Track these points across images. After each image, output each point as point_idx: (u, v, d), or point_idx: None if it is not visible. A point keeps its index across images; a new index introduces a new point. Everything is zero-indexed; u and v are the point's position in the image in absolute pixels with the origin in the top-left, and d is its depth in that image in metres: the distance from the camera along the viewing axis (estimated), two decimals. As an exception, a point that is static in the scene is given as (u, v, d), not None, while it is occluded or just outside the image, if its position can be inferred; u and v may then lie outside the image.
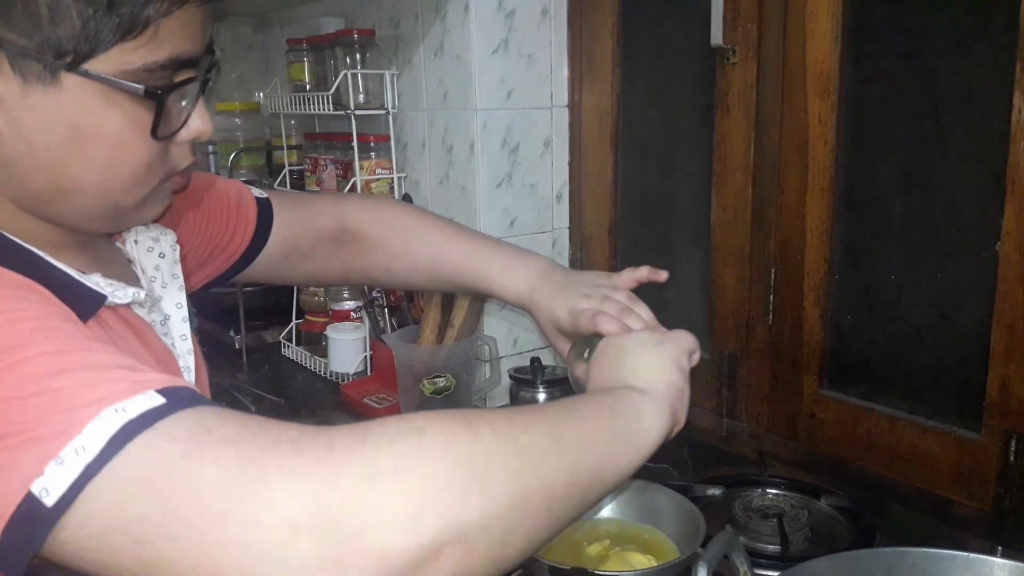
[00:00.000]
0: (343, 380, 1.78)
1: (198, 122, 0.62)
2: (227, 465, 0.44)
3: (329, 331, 1.80)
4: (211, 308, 2.11)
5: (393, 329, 1.67)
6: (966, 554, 0.82)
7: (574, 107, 1.66)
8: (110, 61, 0.54)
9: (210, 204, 0.89)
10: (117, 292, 0.63)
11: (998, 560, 0.81)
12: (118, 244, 0.74)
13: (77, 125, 0.55)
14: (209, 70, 0.62)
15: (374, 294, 1.78)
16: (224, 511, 0.43)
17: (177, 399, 0.47)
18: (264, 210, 0.93)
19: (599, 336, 0.83)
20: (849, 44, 1.21)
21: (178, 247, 0.75)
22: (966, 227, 1.14)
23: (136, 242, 0.73)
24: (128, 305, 0.66)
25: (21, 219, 0.60)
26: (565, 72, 1.64)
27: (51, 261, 0.59)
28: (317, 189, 1.83)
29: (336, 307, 1.85)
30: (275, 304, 2.04)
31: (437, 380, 1.50)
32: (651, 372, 0.70)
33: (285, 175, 1.93)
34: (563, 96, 1.65)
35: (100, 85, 0.54)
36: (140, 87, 0.55)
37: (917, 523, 1.17)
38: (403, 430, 0.48)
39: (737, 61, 1.34)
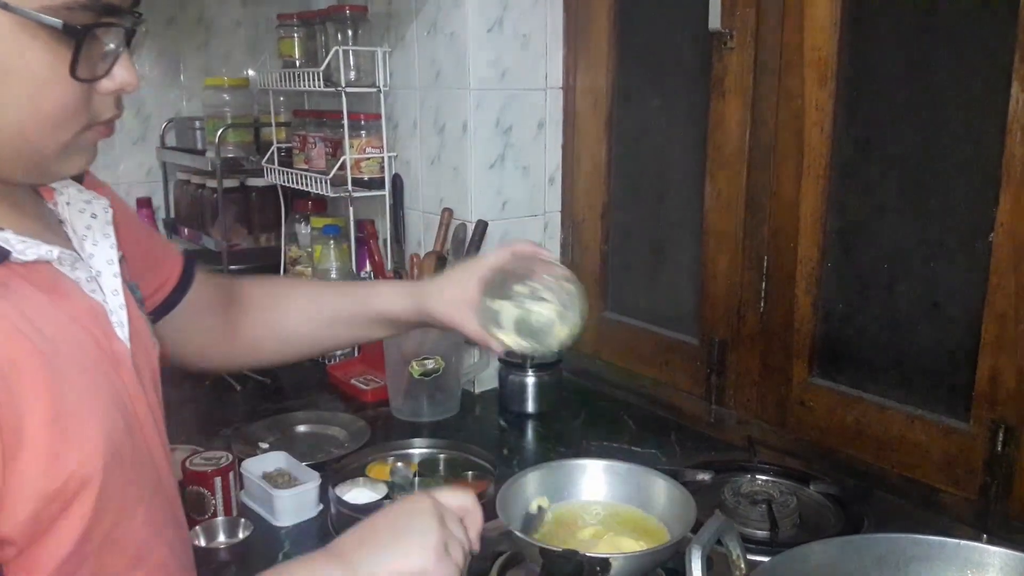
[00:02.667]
0: (330, 361, 1.77)
1: (123, 73, 0.63)
2: None
3: (316, 311, 1.78)
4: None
5: (381, 310, 1.66)
6: (957, 541, 0.82)
7: (568, 89, 1.65)
8: None
9: (149, 237, 0.92)
10: (28, 250, 0.63)
11: (989, 547, 0.81)
12: (50, 205, 0.74)
13: None
14: (135, 24, 0.63)
15: (362, 274, 1.76)
16: None
17: None
18: (189, 262, 0.95)
19: (512, 281, 0.89)
20: (848, 31, 1.20)
21: (111, 211, 0.76)
22: (960, 217, 1.14)
23: (68, 203, 0.74)
24: (48, 263, 0.66)
25: None
26: (560, 53, 1.63)
27: None
28: (305, 167, 1.81)
29: (323, 287, 1.83)
30: (261, 283, 2.02)
31: (426, 362, 1.49)
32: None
33: (273, 152, 1.90)
34: (557, 77, 1.64)
35: (21, 19, 0.55)
36: (59, 22, 0.56)
37: (904, 511, 1.18)
38: None
39: (734, 46, 1.33)
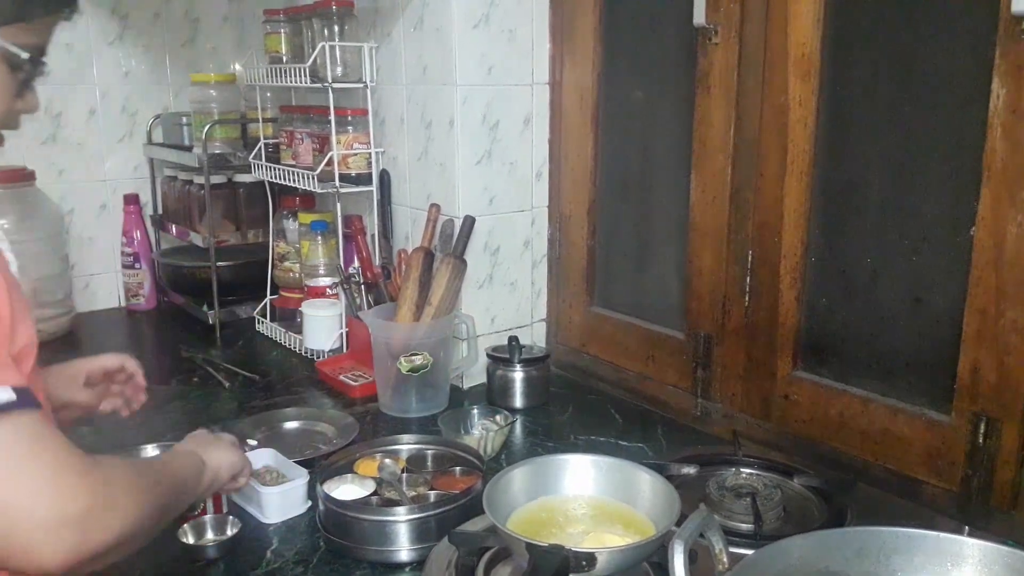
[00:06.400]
0: (318, 357, 1.77)
1: (34, 99, 0.84)
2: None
3: (304, 307, 1.78)
4: (184, 282, 2.08)
5: (370, 306, 1.66)
6: (936, 533, 0.83)
7: (555, 85, 1.65)
8: (7, 34, 0.77)
9: None
10: None
11: (967, 540, 0.82)
12: None
13: None
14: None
15: (350, 270, 1.76)
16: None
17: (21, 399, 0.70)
18: None
19: None
20: (831, 27, 1.21)
21: None
22: (942, 212, 1.15)
23: None
24: None
25: None
26: (546, 49, 1.63)
27: None
28: (293, 163, 1.81)
29: (311, 283, 1.83)
30: (249, 279, 2.02)
31: (414, 358, 1.49)
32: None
33: (260, 148, 1.90)
34: (544, 73, 1.64)
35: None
36: (26, 55, 0.79)
37: (887, 503, 1.19)
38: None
39: (719, 41, 1.33)
